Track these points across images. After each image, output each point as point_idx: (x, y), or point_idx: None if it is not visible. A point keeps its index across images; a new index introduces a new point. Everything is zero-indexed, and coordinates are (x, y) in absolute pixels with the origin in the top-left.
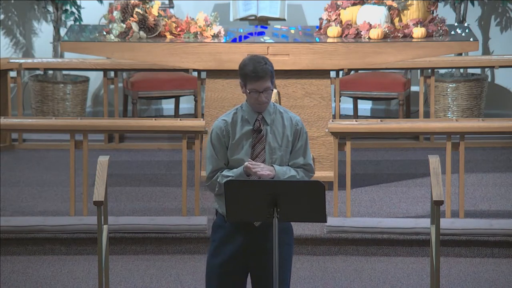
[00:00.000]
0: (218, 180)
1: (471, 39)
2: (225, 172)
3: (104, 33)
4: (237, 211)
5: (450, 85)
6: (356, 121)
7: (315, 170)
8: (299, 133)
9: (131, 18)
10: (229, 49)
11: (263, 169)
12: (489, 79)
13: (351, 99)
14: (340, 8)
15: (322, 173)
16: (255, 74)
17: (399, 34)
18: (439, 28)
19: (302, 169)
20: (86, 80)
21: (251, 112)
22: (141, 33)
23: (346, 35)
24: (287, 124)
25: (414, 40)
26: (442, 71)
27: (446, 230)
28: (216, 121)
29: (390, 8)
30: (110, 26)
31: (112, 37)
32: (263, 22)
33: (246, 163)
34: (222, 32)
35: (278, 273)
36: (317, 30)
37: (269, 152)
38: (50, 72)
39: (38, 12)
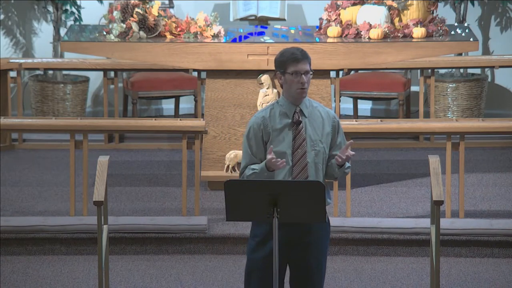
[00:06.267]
0: (245, 172)
1: (471, 39)
2: (252, 166)
3: (104, 33)
4: (237, 211)
5: (450, 85)
6: (356, 121)
7: None
8: (337, 128)
9: (131, 18)
10: (229, 49)
11: None
12: (489, 79)
13: (351, 99)
14: (340, 8)
15: None
16: (295, 56)
17: (399, 34)
18: (439, 28)
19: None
20: (86, 80)
21: (288, 105)
22: (141, 33)
23: (346, 35)
24: (325, 117)
25: (414, 40)
26: (442, 71)
27: (446, 230)
28: (253, 117)
29: (390, 8)
30: (110, 26)
31: (112, 37)
32: (263, 22)
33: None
34: (222, 32)
35: (321, 264)
36: (317, 30)
37: (311, 144)
38: (50, 72)
39: (38, 12)
